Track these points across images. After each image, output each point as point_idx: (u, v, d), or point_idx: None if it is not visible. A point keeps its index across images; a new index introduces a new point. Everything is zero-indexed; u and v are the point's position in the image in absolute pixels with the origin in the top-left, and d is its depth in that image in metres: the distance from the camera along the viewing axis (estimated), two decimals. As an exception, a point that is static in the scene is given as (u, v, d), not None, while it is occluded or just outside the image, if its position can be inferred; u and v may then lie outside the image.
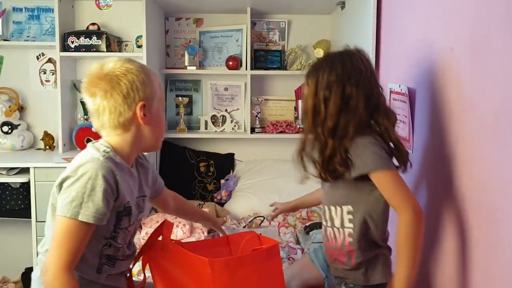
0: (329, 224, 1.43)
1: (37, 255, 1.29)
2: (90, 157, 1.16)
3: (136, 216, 1.28)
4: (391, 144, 1.36)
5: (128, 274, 1.34)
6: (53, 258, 1.09)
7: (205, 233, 2.38)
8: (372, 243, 1.38)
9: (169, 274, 1.31)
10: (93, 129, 1.27)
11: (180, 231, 2.32)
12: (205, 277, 1.21)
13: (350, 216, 1.36)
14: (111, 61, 1.22)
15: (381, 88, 1.40)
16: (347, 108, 1.32)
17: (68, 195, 1.11)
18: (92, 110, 1.22)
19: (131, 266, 1.35)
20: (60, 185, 1.14)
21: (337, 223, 1.40)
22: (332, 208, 1.41)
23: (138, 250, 1.38)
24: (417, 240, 1.27)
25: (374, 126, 1.35)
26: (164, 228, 1.33)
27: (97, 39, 2.64)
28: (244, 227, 2.54)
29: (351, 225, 1.36)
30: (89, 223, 1.11)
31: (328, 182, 1.39)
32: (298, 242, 2.34)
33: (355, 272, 1.40)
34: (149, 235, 1.37)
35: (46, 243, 1.24)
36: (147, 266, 1.34)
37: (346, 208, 1.37)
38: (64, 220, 1.10)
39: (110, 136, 1.23)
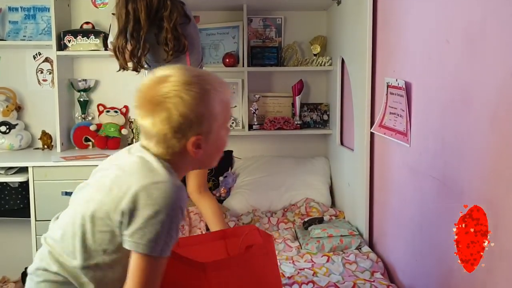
0: None
1: (35, 271, 1.12)
2: (163, 178, 1.03)
3: None
4: None
5: None
6: None
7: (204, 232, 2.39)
8: None
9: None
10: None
11: (179, 233, 2.32)
12: (200, 282, 1.19)
13: None
14: (169, 78, 1.05)
15: None
16: None
17: (151, 231, 0.99)
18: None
19: None
20: (131, 213, 1.00)
21: None
22: None
23: None
24: None
25: None
26: None
27: (94, 38, 2.64)
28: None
29: None
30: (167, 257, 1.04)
31: None
32: (297, 238, 2.35)
33: None
34: None
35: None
36: None
37: None
38: (148, 259, 1.00)
39: (167, 156, 1.09)
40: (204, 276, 1.18)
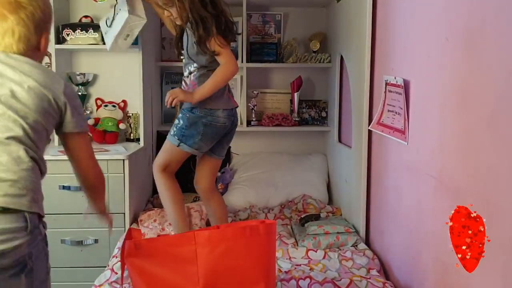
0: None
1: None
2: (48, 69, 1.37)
3: None
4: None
5: None
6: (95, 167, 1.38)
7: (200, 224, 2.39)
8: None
9: (149, 272, 1.27)
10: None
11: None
12: (189, 255, 1.20)
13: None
14: None
15: None
16: None
17: (80, 111, 1.32)
18: None
19: None
20: (72, 100, 1.28)
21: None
22: None
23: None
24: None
25: None
26: (133, 233, 1.39)
27: (93, 32, 2.63)
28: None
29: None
30: None
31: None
32: (293, 234, 2.35)
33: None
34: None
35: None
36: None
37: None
38: (86, 135, 1.35)
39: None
40: (194, 249, 1.21)
